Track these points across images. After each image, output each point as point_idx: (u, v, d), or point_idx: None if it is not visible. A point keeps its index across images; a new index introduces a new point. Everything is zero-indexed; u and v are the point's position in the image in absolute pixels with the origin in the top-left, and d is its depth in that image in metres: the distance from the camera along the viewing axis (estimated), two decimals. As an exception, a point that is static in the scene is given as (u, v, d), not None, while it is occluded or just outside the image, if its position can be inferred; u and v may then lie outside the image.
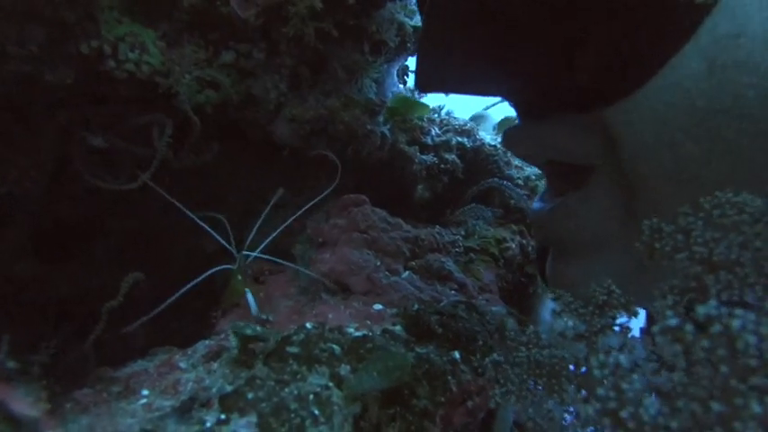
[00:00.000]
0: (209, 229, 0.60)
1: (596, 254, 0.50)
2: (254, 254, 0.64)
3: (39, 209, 0.67)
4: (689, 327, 0.28)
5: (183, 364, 0.50)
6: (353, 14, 0.65)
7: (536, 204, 0.56)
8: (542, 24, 0.44)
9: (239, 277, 0.63)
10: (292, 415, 0.38)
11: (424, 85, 0.53)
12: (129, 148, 0.61)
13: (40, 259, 0.74)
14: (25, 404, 0.23)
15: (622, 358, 0.30)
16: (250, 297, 0.59)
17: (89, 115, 0.58)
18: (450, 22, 0.47)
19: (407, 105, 0.81)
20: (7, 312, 0.75)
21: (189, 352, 0.52)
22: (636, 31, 0.40)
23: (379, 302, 0.61)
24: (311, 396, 0.41)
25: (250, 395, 0.39)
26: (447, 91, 0.83)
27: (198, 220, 0.60)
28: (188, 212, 0.59)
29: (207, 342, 0.54)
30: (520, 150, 0.56)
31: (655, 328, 0.29)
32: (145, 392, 0.46)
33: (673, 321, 0.28)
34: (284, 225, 0.65)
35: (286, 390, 0.41)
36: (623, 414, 0.27)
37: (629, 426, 0.27)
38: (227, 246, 0.62)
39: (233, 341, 0.53)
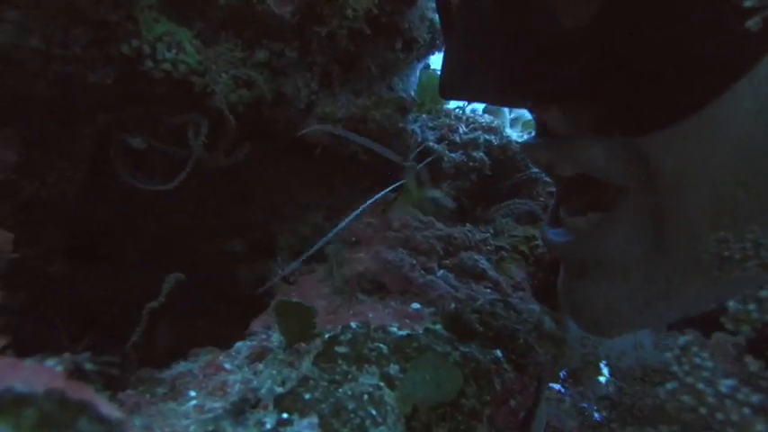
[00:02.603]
0: (375, 145, 0.57)
1: (616, 278, 0.49)
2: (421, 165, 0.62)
3: (73, 210, 0.67)
4: (752, 306, 0.28)
5: (228, 366, 0.50)
6: (386, 12, 0.65)
7: (551, 233, 0.54)
8: (578, 55, 0.43)
9: (413, 183, 0.61)
10: (352, 415, 0.37)
11: (447, 93, 0.52)
12: (165, 149, 0.60)
13: (72, 260, 0.74)
14: (110, 406, 0.22)
15: (690, 339, 0.30)
16: (436, 193, 0.56)
17: (126, 116, 0.57)
18: (475, 42, 0.47)
19: (434, 92, 0.79)
20: (39, 312, 0.75)
21: (232, 353, 0.52)
22: (688, 63, 0.39)
23: (416, 302, 0.61)
24: (366, 396, 0.40)
25: (307, 396, 0.39)
26: (470, 100, 0.82)
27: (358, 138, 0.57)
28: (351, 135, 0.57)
29: (248, 343, 0.54)
30: (543, 160, 0.55)
31: (723, 319, 0.29)
32: (192, 394, 0.46)
33: (734, 306, 0.29)
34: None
35: (340, 390, 0.41)
36: (701, 386, 0.27)
37: (709, 400, 0.26)
38: (391, 156, 0.59)
39: (275, 341, 0.53)
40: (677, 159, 0.41)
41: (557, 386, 0.87)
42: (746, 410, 0.24)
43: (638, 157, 0.43)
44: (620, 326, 0.51)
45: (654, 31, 0.39)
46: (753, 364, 0.27)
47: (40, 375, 0.22)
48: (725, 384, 0.25)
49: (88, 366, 0.26)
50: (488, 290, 0.69)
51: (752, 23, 0.26)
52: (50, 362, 0.25)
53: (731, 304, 0.29)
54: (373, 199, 0.59)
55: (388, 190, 0.63)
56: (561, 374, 0.88)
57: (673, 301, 0.48)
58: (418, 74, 0.83)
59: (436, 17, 0.72)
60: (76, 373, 0.26)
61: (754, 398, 0.24)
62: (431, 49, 0.75)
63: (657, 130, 0.41)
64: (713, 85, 0.39)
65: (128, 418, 0.23)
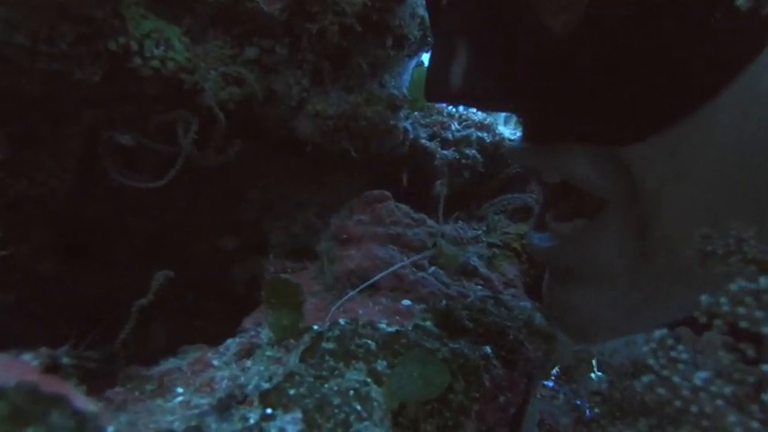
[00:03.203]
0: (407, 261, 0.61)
1: (602, 286, 0.48)
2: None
3: (62, 208, 0.67)
4: (723, 299, 0.28)
5: (216, 362, 0.50)
6: (376, 9, 0.65)
7: (537, 238, 0.54)
8: (565, 63, 0.42)
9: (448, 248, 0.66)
10: (336, 410, 0.37)
11: (433, 96, 0.51)
12: (155, 146, 0.60)
13: (62, 258, 0.74)
14: (85, 400, 0.22)
15: (666, 332, 0.30)
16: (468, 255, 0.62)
17: (115, 113, 0.57)
18: (463, 44, 0.46)
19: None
20: (30, 310, 0.75)
21: (221, 350, 0.52)
22: (671, 73, 0.38)
23: (407, 298, 0.61)
24: (351, 392, 0.40)
25: (292, 391, 0.39)
26: (456, 103, 0.82)
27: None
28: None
29: (237, 340, 0.54)
30: (528, 165, 0.54)
31: (696, 313, 0.29)
32: (180, 390, 0.46)
33: (706, 299, 0.29)
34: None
35: (326, 386, 0.41)
36: (676, 380, 0.27)
37: (684, 393, 0.26)
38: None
39: (264, 337, 0.53)
40: (659, 171, 0.41)
41: (550, 383, 0.87)
42: (720, 402, 0.24)
43: (622, 167, 0.43)
44: (605, 333, 0.51)
45: (641, 38, 0.39)
46: (725, 356, 0.27)
47: (13, 369, 0.22)
48: (699, 377, 0.25)
49: (65, 361, 0.26)
50: (480, 287, 0.69)
51: (742, 2, 0.25)
52: (26, 356, 0.25)
53: (703, 298, 0.29)
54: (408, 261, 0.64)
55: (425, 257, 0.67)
56: (554, 372, 0.88)
57: (660, 309, 0.47)
58: (411, 71, 0.83)
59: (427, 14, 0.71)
60: (57, 368, 0.26)
61: (727, 389, 0.24)
62: (422, 47, 0.75)
63: (639, 141, 0.41)
64: (699, 93, 0.38)
65: (104, 411, 0.23)
